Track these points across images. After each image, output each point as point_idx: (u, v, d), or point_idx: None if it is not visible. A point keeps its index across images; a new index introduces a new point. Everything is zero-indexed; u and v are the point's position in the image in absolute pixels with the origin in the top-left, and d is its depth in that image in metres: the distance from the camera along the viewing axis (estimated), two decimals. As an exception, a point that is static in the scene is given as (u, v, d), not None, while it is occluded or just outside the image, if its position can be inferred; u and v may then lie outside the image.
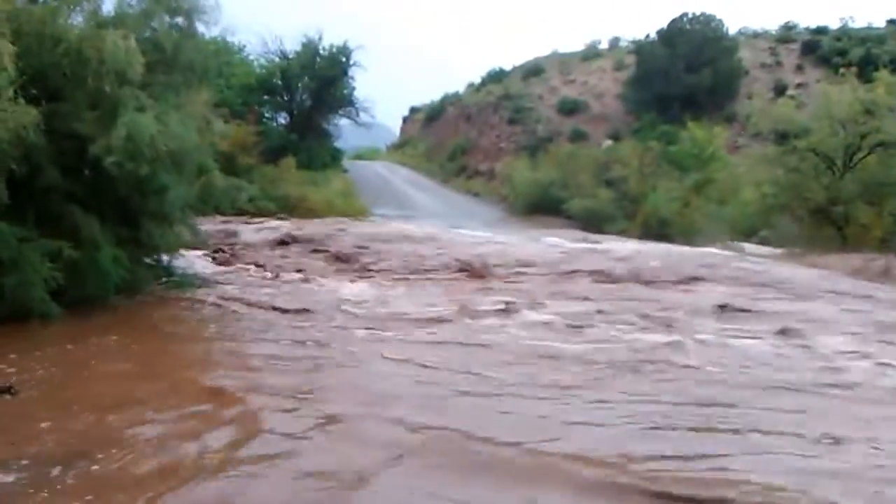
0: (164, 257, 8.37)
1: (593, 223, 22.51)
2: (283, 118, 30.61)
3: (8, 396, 4.67)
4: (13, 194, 6.16)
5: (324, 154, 29.57)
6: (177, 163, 6.92)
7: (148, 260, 8.13)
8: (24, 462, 3.43)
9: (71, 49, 6.47)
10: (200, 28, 7.67)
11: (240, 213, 14.73)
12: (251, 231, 14.27)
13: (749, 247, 16.34)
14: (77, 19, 7.18)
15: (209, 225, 11.56)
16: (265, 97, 29.32)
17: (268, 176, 21.14)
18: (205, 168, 8.00)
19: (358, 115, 30.55)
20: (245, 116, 21.90)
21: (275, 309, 7.36)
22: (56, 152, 6.71)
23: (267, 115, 29.52)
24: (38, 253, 6.32)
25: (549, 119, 38.84)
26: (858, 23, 42.93)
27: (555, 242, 15.13)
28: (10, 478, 3.25)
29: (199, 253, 10.31)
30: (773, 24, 47.02)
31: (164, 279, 8.29)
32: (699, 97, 35.27)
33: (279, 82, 29.43)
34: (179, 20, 7.33)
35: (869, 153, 17.65)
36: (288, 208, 19.74)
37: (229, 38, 22.36)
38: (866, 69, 23.47)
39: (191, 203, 7.97)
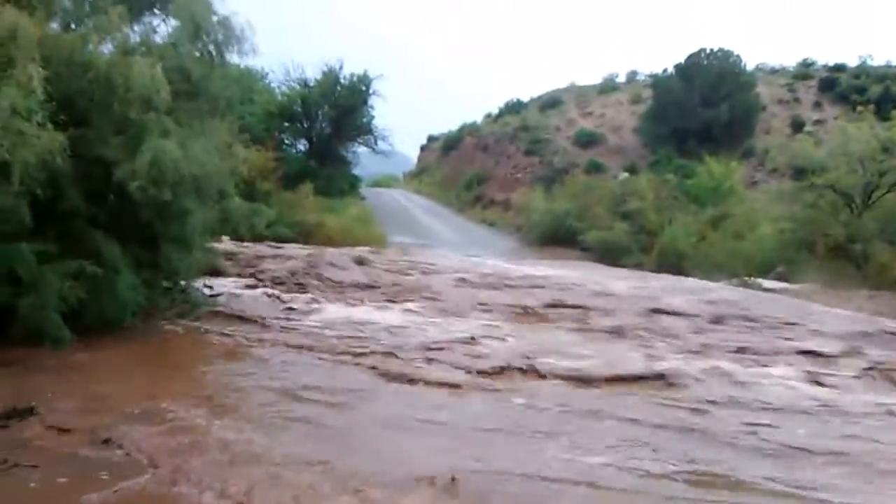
0: (182, 282, 8.47)
1: (609, 255, 22.43)
2: (302, 145, 31.08)
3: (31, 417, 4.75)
4: (36, 217, 6.24)
5: (342, 181, 29.89)
6: (199, 188, 7.04)
7: (167, 284, 8.22)
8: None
9: (100, 75, 6.63)
10: (231, 57, 7.84)
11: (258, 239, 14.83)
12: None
13: (766, 283, 16.19)
14: (107, 47, 7.40)
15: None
16: (286, 124, 29.81)
17: (286, 202, 21.34)
18: (224, 193, 8.12)
19: (376, 143, 30.98)
20: (265, 142, 22.21)
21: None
22: (80, 176, 6.82)
23: (287, 141, 29.99)
24: (58, 274, 6.38)
25: (566, 150, 38.99)
26: (877, 60, 42.91)
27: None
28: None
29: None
30: (791, 61, 47.16)
31: (181, 304, 8.35)
32: (716, 132, 35.27)
33: (300, 110, 29.93)
34: (210, 49, 7.49)
35: (888, 191, 17.53)
36: (305, 234, 19.88)
37: (253, 65, 22.78)
38: (885, 107, 23.42)
39: (210, 228, 8.07)
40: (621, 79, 50.48)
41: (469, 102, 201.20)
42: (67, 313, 6.40)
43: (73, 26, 7.32)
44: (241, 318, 8.32)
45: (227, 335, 7.50)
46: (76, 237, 6.99)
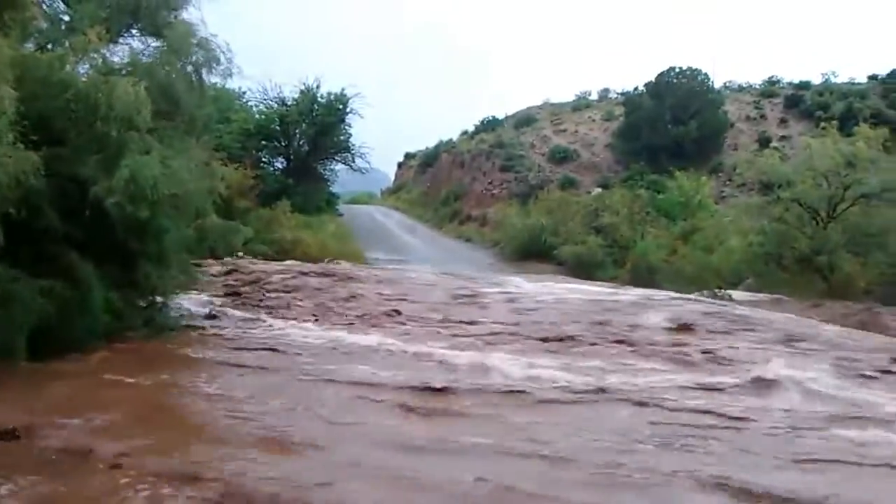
0: (159, 299, 8.45)
1: (583, 269, 22.74)
2: (280, 163, 31.12)
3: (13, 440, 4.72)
4: (9, 235, 6.22)
5: (319, 198, 30.00)
6: (177, 206, 7.10)
7: (142, 302, 8.19)
8: None
9: (79, 95, 6.69)
10: (209, 78, 7.98)
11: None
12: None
13: (736, 294, 16.55)
14: (84, 67, 7.46)
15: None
16: (263, 142, 29.86)
17: (263, 219, 21.38)
18: (202, 211, 8.16)
19: (354, 160, 31.13)
20: (243, 161, 22.24)
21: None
22: (56, 195, 6.84)
23: (264, 159, 30.02)
24: (29, 292, 6.33)
25: (541, 167, 39.52)
26: (840, 78, 44.26)
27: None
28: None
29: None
30: (757, 79, 48.41)
31: (156, 323, 8.27)
32: (686, 148, 36.08)
33: (277, 128, 30.01)
34: (189, 69, 7.61)
35: (852, 204, 18.02)
36: (282, 251, 19.91)
37: (231, 84, 22.82)
38: (848, 123, 24.18)
39: (188, 246, 8.11)
40: (594, 96, 51.40)
41: (445, 120, 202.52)
42: (37, 332, 6.34)
43: (49, 46, 7.37)
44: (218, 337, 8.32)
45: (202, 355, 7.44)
46: (49, 255, 6.98)
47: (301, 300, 11.00)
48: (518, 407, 5.69)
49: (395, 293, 12.06)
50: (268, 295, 11.45)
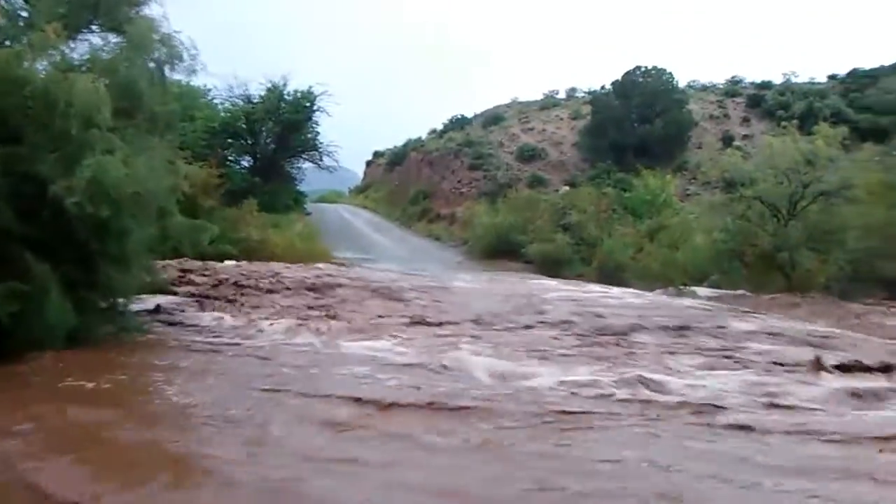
0: (121, 301, 8.26)
1: (551, 267, 22.92)
2: (246, 161, 30.74)
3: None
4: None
5: (286, 197, 29.68)
6: (140, 206, 6.95)
7: (103, 304, 8.00)
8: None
9: (37, 91, 6.52)
10: (172, 74, 7.84)
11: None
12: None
13: (700, 290, 16.85)
14: (42, 64, 7.26)
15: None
16: (229, 140, 29.42)
17: (229, 218, 20.97)
18: (165, 211, 8.00)
19: (321, 159, 30.91)
20: (208, 159, 21.85)
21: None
22: (13, 194, 6.67)
23: (230, 158, 29.57)
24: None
25: (509, 165, 39.76)
26: (801, 78, 45.45)
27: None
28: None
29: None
30: (720, 79, 49.44)
31: (117, 326, 8.08)
32: (651, 146, 36.66)
33: (243, 126, 29.62)
34: (151, 66, 7.47)
35: (812, 202, 18.44)
36: (249, 251, 19.58)
37: (194, 80, 22.43)
38: (808, 122, 24.74)
39: (151, 246, 7.94)
40: (561, 95, 52.00)
41: (414, 119, 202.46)
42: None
43: (7, 43, 7.16)
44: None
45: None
46: (5, 256, 6.78)
47: (286, 297, 10.75)
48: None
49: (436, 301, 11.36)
50: (249, 295, 11.19)
